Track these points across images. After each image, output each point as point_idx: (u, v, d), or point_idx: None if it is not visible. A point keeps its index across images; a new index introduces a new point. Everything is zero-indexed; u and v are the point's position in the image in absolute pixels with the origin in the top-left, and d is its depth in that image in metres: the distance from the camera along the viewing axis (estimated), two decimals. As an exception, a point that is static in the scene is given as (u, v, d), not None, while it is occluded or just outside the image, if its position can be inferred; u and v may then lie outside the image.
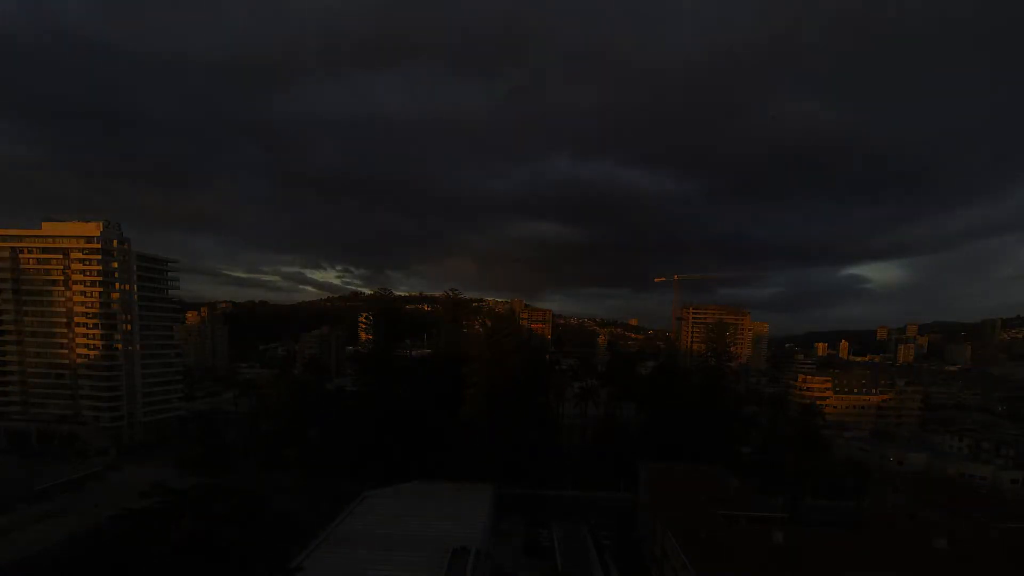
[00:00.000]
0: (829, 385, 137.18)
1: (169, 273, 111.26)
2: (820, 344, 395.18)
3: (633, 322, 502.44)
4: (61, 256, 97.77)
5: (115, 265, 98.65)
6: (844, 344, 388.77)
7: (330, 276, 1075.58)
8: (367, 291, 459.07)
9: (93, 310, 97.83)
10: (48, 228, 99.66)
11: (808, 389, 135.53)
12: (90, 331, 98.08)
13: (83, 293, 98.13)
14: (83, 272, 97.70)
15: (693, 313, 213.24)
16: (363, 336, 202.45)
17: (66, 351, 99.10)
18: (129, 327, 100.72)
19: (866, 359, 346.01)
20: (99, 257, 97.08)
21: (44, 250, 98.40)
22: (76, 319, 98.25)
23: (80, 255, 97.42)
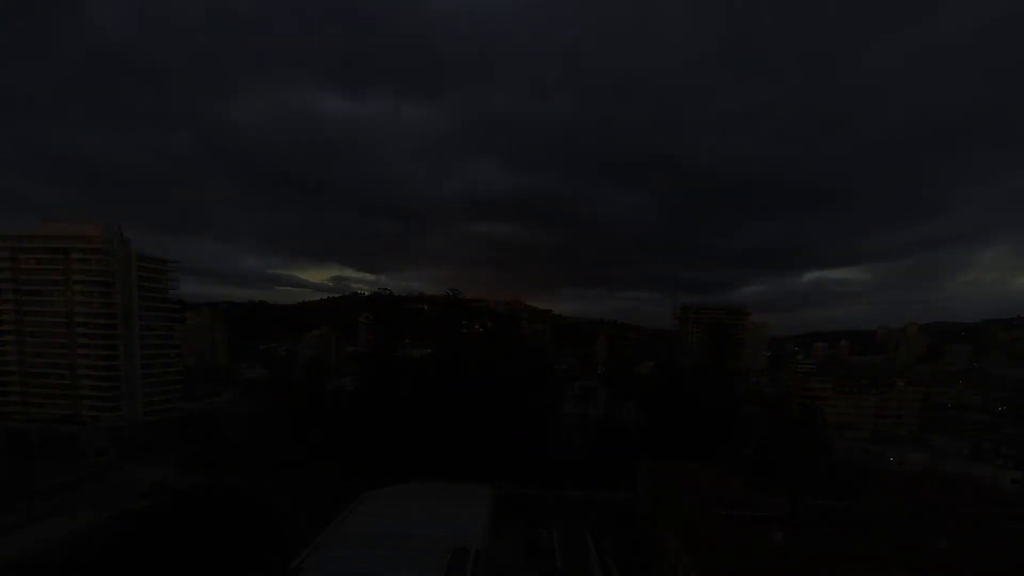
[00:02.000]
0: (829, 385, 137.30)
1: (169, 274, 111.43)
2: (818, 344, 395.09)
3: (634, 322, 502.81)
4: (61, 256, 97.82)
5: (115, 266, 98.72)
6: (844, 344, 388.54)
7: (330, 277, 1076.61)
8: (367, 292, 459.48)
9: (93, 310, 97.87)
10: (48, 229, 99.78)
11: (808, 389, 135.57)
12: (90, 331, 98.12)
13: (83, 293, 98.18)
14: (83, 272, 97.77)
15: (693, 313, 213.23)
16: (363, 336, 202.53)
17: (66, 351, 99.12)
18: (129, 327, 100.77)
19: (866, 359, 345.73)
20: (99, 257, 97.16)
21: (44, 250, 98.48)
22: (76, 319, 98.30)
23: (80, 255, 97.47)
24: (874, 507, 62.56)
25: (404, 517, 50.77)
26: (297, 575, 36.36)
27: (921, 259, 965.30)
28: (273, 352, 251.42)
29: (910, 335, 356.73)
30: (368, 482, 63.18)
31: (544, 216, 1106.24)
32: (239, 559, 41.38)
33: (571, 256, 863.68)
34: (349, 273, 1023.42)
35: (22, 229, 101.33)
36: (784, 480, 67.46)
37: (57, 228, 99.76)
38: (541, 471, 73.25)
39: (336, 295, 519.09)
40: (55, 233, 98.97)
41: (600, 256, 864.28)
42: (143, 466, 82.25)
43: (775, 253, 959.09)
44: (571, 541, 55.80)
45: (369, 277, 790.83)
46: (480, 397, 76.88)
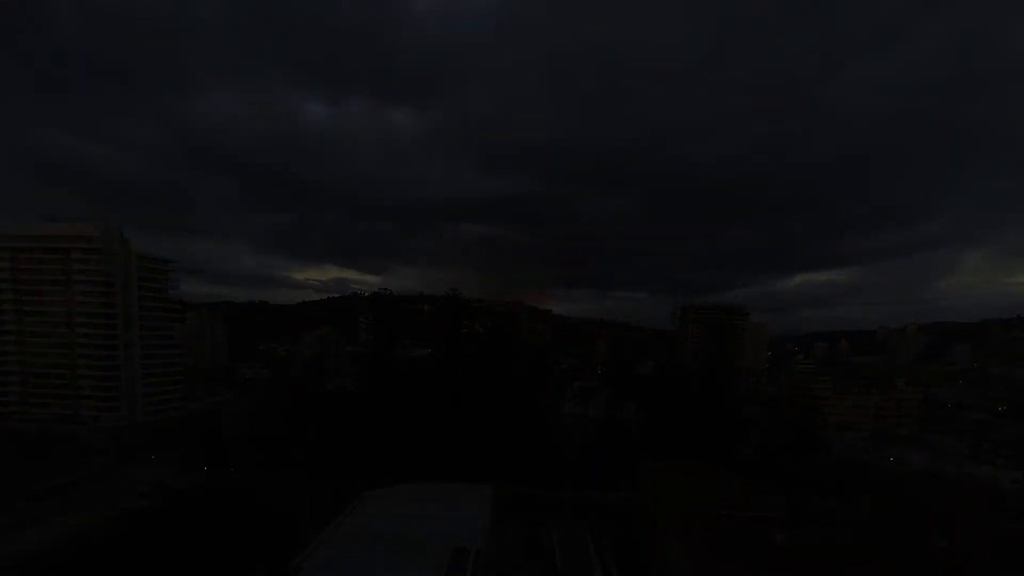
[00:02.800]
0: (829, 385, 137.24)
1: (169, 274, 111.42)
2: (818, 344, 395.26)
3: (633, 322, 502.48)
4: (61, 256, 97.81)
5: (115, 266, 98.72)
6: (844, 344, 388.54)
7: (330, 277, 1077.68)
8: (367, 292, 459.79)
9: (93, 310, 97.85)
10: (48, 229, 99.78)
11: (809, 389, 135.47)
12: (90, 331, 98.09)
13: (83, 293, 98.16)
14: (83, 272, 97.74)
15: (693, 313, 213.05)
16: (363, 336, 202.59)
17: (66, 351, 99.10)
18: (129, 327, 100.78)
19: (866, 359, 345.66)
20: (99, 257, 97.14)
21: (44, 250, 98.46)
22: (76, 319, 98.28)
23: (80, 255, 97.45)
24: (874, 507, 62.60)
25: (404, 517, 50.68)
26: (297, 575, 36.33)
27: (915, 260, 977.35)
28: (273, 352, 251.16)
29: (910, 335, 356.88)
30: (368, 482, 63.21)
31: (542, 217, 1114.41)
32: (239, 559, 41.37)
33: (569, 256, 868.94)
34: (349, 274, 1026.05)
35: (22, 229, 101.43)
36: (784, 480, 67.42)
37: (57, 228, 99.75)
38: (541, 471, 73.19)
39: (336, 295, 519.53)
40: (55, 233, 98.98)
41: (596, 257, 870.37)
42: (143, 466, 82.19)
43: (766, 255, 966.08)
44: (571, 541, 55.75)
45: (368, 278, 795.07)
46: (480, 397, 76.94)
